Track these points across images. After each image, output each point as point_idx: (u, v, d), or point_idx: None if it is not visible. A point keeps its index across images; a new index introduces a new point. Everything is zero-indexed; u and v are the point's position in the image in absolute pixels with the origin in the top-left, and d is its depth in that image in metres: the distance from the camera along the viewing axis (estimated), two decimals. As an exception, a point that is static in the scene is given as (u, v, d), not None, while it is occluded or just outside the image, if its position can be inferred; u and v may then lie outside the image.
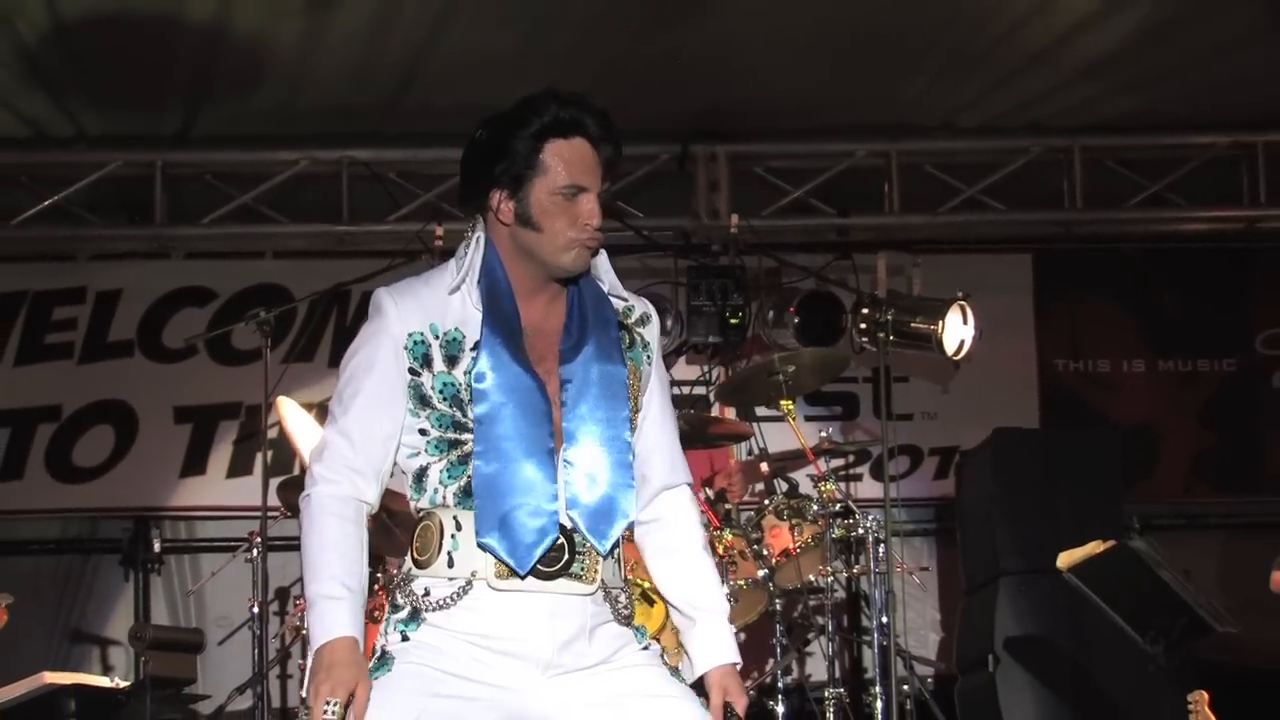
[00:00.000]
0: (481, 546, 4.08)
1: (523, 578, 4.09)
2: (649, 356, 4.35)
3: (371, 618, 7.76)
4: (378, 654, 4.12)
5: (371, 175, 10.10)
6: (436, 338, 4.14)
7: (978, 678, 9.44)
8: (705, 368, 10.35)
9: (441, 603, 4.12)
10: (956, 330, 9.47)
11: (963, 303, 9.49)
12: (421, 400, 4.13)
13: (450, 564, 4.12)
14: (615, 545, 4.20)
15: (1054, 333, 11.24)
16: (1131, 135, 10.31)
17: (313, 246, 10.66)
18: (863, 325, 9.31)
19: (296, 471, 8.84)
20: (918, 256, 10.68)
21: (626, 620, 4.26)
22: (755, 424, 9.11)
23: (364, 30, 8.86)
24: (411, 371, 4.13)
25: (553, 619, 4.13)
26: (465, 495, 4.13)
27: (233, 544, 9.62)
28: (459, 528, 4.12)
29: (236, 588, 9.43)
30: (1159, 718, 7.09)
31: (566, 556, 4.14)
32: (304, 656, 8.02)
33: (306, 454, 8.42)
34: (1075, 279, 11.29)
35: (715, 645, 4.35)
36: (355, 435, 4.14)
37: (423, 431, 4.15)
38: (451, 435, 4.13)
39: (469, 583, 4.11)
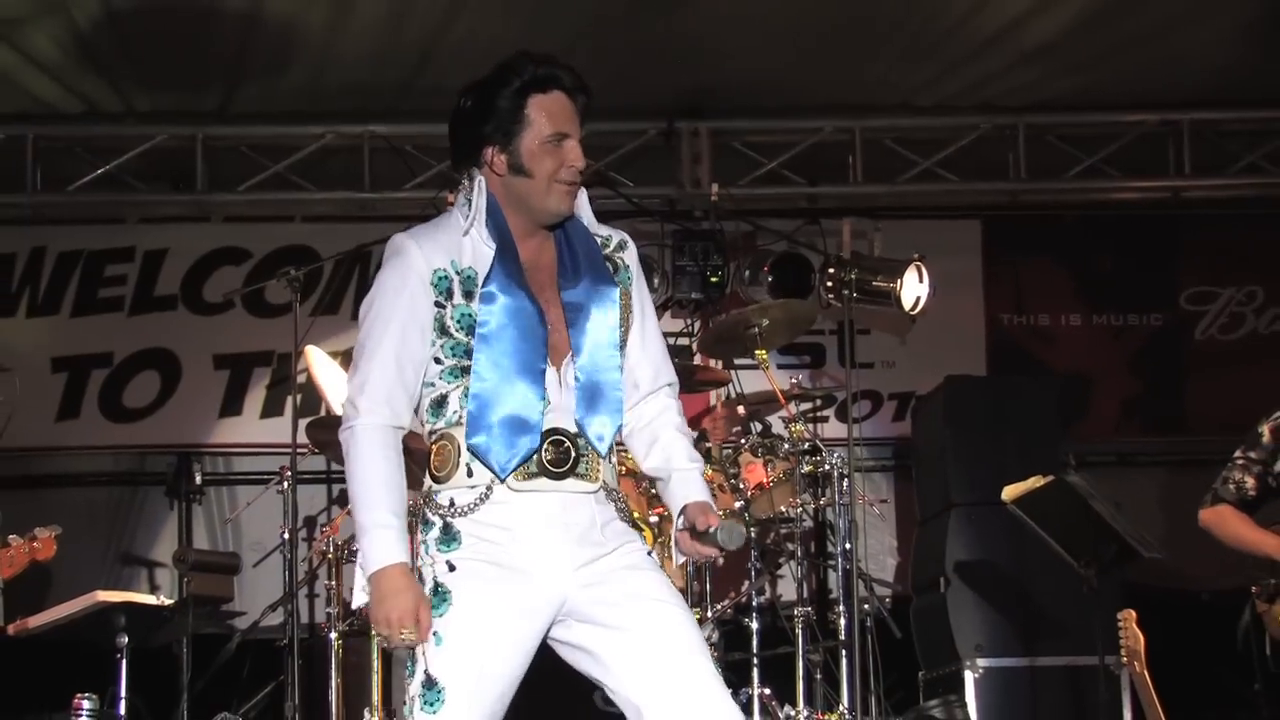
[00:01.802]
0: (470, 449, 4.13)
1: (502, 480, 4.14)
2: (630, 278, 4.42)
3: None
4: (431, 586, 4.13)
5: (390, 148, 10.07)
6: (457, 273, 4.17)
7: (930, 598, 9.45)
8: (688, 321, 10.34)
9: (467, 508, 4.15)
10: (913, 288, 9.45)
11: (918, 263, 9.47)
12: (441, 330, 4.16)
13: (469, 474, 4.16)
14: (611, 447, 4.26)
15: (1000, 290, 11.21)
16: (1070, 113, 10.29)
17: (338, 212, 10.64)
18: (829, 283, 9.27)
19: (323, 413, 8.81)
20: (879, 222, 10.67)
21: (629, 519, 4.33)
22: (733, 371, 9.09)
23: (384, 17, 8.84)
24: (437, 304, 4.15)
25: (565, 513, 4.18)
26: None
27: (266, 477, 9.61)
28: None
29: (269, 516, 9.42)
30: (1092, 634, 7.08)
31: (573, 458, 4.19)
32: (331, 577, 8.02)
33: (331, 397, 8.43)
34: (1019, 243, 11.26)
35: (689, 487, 4.40)
36: (391, 364, 4.14)
37: (437, 360, 4.17)
38: (465, 362, 4.16)
39: (490, 487, 4.14)
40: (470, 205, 4.24)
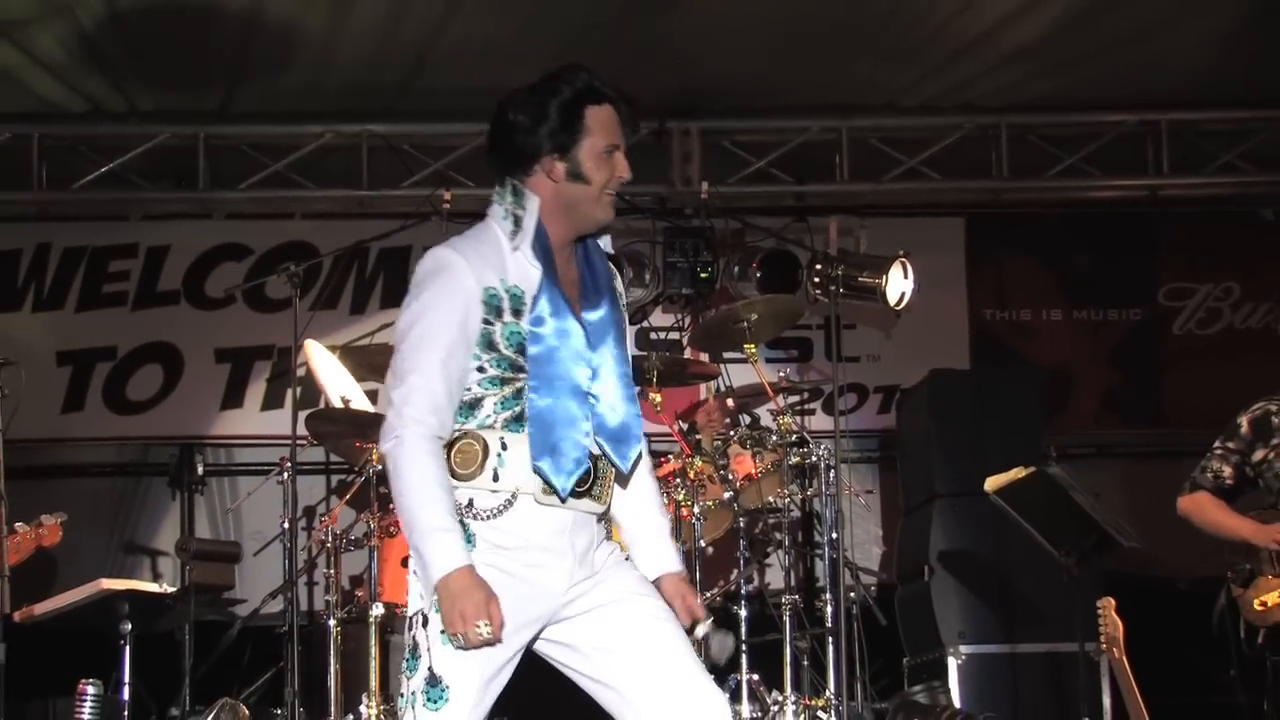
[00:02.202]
0: (536, 471, 4.11)
1: (563, 500, 4.14)
2: (623, 305, 4.43)
3: (388, 533, 7.82)
4: None
5: (388, 146, 10.07)
6: (506, 291, 4.13)
7: (915, 586, 9.45)
8: (679, 316, 10.34)
9: (488, 512, 4.12)
10: (898, 284, 9.45)
11: (903, 260, 9.47)
12: (489, 345, 4.12)
13: (495, 478, 4.13)
14: (634, 466, 4.29)
15: (983, 286, 11.21)
16: (1051, 114, 10.29)
17: (336, 209, 10.64)
18: (816, 279, 9.27)
19: (322, 405, 8.80)
20: (864, 219, 10.67)
21: (608, 537, 4.35)
22: (722, 365, 9.08)
23: (381, 19, 8.83)
24: (485, 321, 4.11)
25: (573, 532, 4.18)
26: (514, 421, 4.14)
27: (266, 468, 9.60)
28: (504, 448, 4.13)
29: (269, 506, 9.41)
30: (1072, 621, 7.08)
31: (592, 479, 4.20)
32: (330, 566, 8.01)
33: (330, 390, 8.42)
34: (1002, 239, 11.26)
35: (662, 555, 4.42)
36: (438, 378, 4.07)
37: (480, 369, 4.14)
38: (508, 374, 4.14)
39: (514, 496, 4.12)
40: (511, 218, 4.22)
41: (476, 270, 4.12)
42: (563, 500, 4.14)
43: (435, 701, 4.04)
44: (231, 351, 10.79)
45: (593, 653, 4.21)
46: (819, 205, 10.61)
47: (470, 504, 4.12)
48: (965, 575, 9.17)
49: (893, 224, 10.82)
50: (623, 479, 4.32)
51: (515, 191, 4.25)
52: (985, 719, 8.04)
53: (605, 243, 4.40)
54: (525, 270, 4.18)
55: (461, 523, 4.10)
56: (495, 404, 4.15)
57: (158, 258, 10.83)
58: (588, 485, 4.18)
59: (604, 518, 4.30)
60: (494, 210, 4.28)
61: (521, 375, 4.14)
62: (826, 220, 10.40)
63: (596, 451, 4.20)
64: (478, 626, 3.96)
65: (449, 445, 4.15)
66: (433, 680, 4.05)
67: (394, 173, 10.08)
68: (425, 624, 4.09)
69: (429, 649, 4.07)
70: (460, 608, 3.96)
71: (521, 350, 4.13)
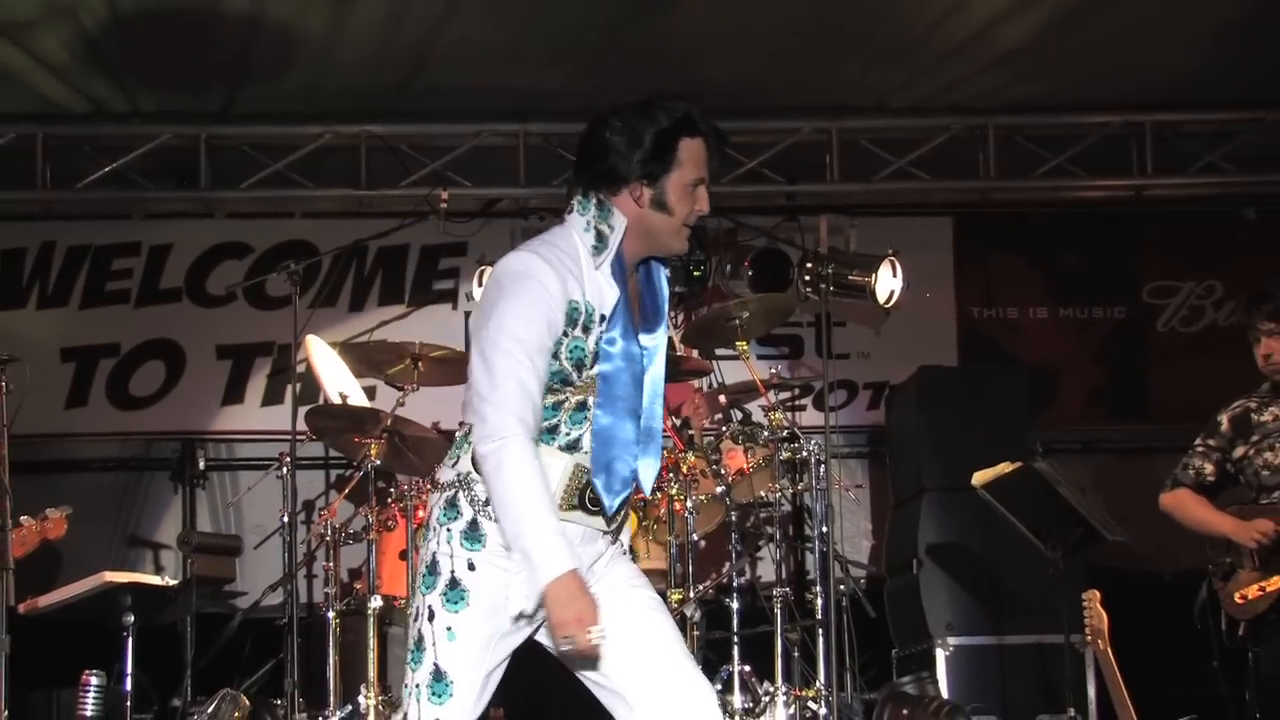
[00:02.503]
0: (591, 485, 4.14)
1: (609, 519, 4.19)
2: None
3: (386, 526, 7.82)
4: (448, 580, 4.10)
5: (386, 147, 10.05)
6: (585, 307, 4.12)
7: (903, 579, 9.47)
8: (672, 314, 10.30)
9: None
10: (887, 282, 9.47)
11: (892, 258, 9.48)
12: (552, 354, 4.10)
13: None
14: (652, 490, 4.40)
15: (970, 284, 11.22)
16: (1038, 115, 10.28)
17: (335, 208, 10.63)
18: (807, 277, 9.28)
19: (321, 401, 8.80)
20: (854, 219, 10.68)
21: (617, 543, 4.36)
22: (715, 361, 9.08)
23: (380, 22, 8.82)
24: (564, 333, 4.10)
25: (582, 545, 4.18)
26: (549, 433, 4.13)
27: (266, 463, 9.58)
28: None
29: (269, 500, 9.42)
30: (1058, 613, 7.10)
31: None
32: (329, 559, 8.01)
33: (329, 386, 8.42)
34: (989, 239, 11.27)
35: None
36: (534, 380, 4.05)
37: None
38: (555, 385, 4.11)
39: None
40: (594, 233, 4.19)
41: (563, 281, 4.10)
42: (608, 522, 4.17)
43: (439, 695, 4.06)
44: (232, 348, 10.80)
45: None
46: (810, 205, 10.62)
47: (488, 502, 4.10)
48: (953, 568, 9.18)
49: (882, 223, 10.82)
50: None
51: (601, 207, 4.22)
52: (972, 709, 8.04)
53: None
54: (602, 289, 4.16)
55: (476, 519, 4.10)
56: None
57: (160, 256, 10.83)
58: (600, 506, 4.19)
59: (615, 536, 4.30)
60: (574, 220, 4.23)
61: (568, 389, 4.13)
62: (817, 220, 10.42)
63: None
64: (589, 631, 3.95)
65: (438, 448, 4.17)
66: (438, 675, 4.06)
67: (392, 173, 10.07)
68: (432, 618, 4.09)
69: (434, 643, 4.07)
70: (576, 610, 3.95)
71: (579, 366, 4.12)
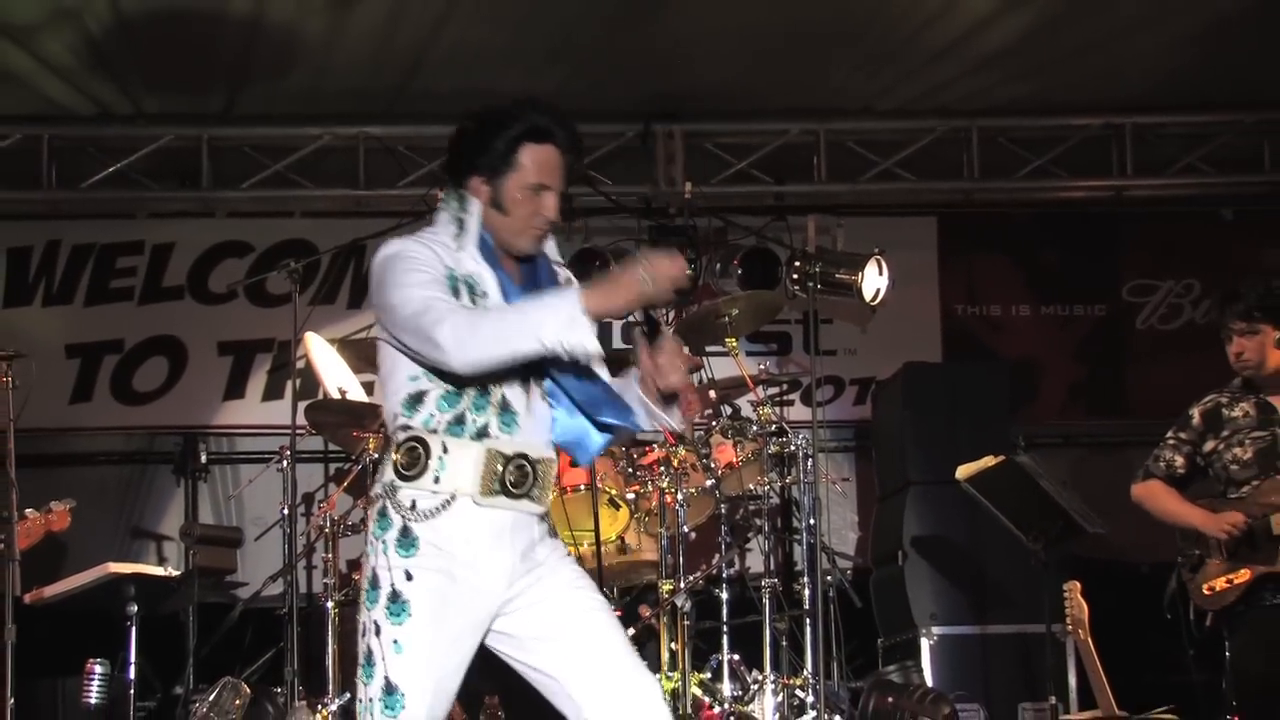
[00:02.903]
0: (509, 470, 4.13)
1: (536, 500, 4.18)
2: None
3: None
4: (389, 593, 4.08)
5: (384, 148, 10.06)
6: (462, 279, 4.12)
7: (889, 570, 9.48)
8: (663, 311, 10.32)
9: (428, 513, 4.10)
10: (873, 280, 9.47)
11: (878, 257, 9.48)
12: None
13: (436, 480, 4.10)
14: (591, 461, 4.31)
15: (954, 283, 11.22)
16: (1020, 117, 10.30)
17: (334, 208, 10.61)
18: (795, 276, 9.27)
19: (321, 396, 8.80)
20: (841, 219, 10.66)
21: (554, 534, 4.34)
22: (705, 358, 9.09)
23: (378, 25, 8.83)
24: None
25: (514, 532, 4.17)
26: (456, 423, 4.11)
27: (267, 456, 9.60)
28: (445, 450, 4.11)
29: (270, 493, 9.43)
30: (1039, 604, 7.12)
31: (531, 481, 4.17)
32: (328, 550, 8.02)
33: (329, 381, 8.42)
34: (972, 238, 11.28)
35: None
36: (444, 283, 4.08)
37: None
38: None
39: (453, 497, 4.10)
40: (456, 222, 4.22)
41: (432, 251, 4.14)
42: (534, 503, 4.17)
43: (392, 709, 4.04)
44: (234, 345, 10.79)
45: (531, 643, 4.21)
46: (798, 205, 10.62)
47: (414, 505, 4.11)
48: (937, 560, 9.20)
49: (868, 223, 10.82)
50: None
51: (461, 198, 4.26)
52: (956, 697, 8.06)
53: (552, 250, 4.38)
54: (470, 266, 4.17)
55: (406, 526, 4.09)
56: (438, 400, 4.13)
57: (163, 254, 10.83)
58: (527, 487, 4.17)
59: (545, 517, 4.28)
60: (439, 216, 4.28)
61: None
62: (805, 219, 10.41)
63: (538, 456, 4.20)
64: (640, 275, 3.94)
65: (395, 447, 4.15)
66: (389, 688, 4.04)
67: (389, 173, 10.08)
68: (378, 633, 4.08)
69: (383, 658, 4.06)
70: (620, 280, 3.96)
71: None
